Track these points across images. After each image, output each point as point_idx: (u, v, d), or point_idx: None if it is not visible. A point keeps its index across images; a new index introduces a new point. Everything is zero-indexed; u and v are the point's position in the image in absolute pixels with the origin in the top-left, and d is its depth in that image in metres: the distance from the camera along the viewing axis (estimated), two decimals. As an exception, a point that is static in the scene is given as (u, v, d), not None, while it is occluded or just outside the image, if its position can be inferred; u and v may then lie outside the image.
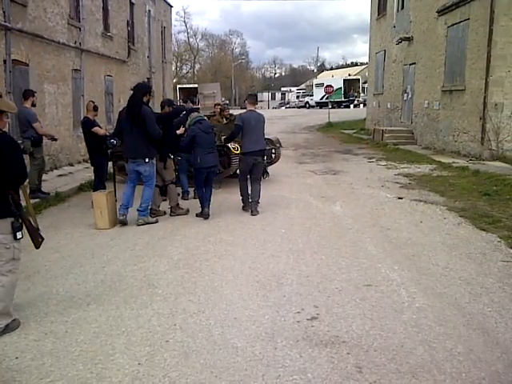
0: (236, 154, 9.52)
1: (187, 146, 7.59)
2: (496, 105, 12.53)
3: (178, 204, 7.94)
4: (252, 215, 7.77)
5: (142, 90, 7.13)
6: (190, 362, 3.46)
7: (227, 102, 64.59)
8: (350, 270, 5.23)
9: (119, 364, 3.45)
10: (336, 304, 4.38)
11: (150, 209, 7.48)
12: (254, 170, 8.03)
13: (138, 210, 7.26)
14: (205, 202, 7.66)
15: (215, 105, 12.33)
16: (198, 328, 3.96)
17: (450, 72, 15.07)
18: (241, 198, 8.20)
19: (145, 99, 7.09)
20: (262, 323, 4.02)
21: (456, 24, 14.62)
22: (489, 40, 12.54)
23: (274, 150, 11.41)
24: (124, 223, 7.22)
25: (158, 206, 7.80)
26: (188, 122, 7.73)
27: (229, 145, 9.59)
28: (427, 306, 4.30)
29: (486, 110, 12.69)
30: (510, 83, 12.42)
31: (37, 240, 4.14)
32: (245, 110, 8.19)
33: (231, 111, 11.80)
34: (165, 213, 7.85)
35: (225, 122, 11.06)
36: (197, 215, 7.68)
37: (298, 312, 4.23)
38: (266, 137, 9.36)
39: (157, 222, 7.38)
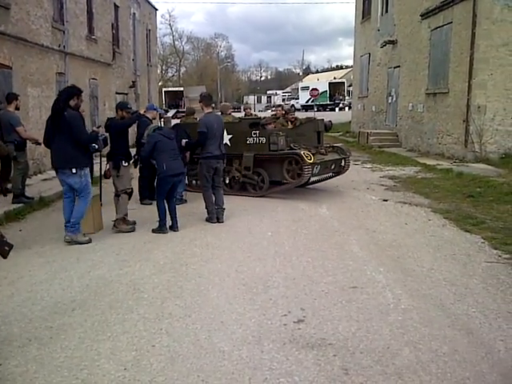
0: (310, 163, 8.70)
1: (149, 153, 7.08)
2: (479, 107, 12.69)
3: (124, 218, 7.18)
4: (219, 222, 7.55)
5: (67, 93, 6.46)
6: (176, 367, 3.44)
7: (213, 105, 64.47)
8: (336, 273, 5.25)
9: (105, 369, 3.42)
10: (322, 306, 4.39)
11: (123, 218, 7.12)
12: (215, 176, 7.70)
13: (65, 226, 6.57)
14: (164, 215, 7.01)
15: (277, 106, 11.61)
16: (184, 332, 3.95)
17: (434, 75, 15.23)
18: (206, 208, 7.68)
19: (72, 103, 6.39)
20: (248, 326, 4.02)
21: (439, 27, 14.80)
22: (471, 43, 12.71)
23: (344, 160, 10.15)
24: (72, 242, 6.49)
25: (126, 215, 7.24)
26: (147, 132, 7.31)
27: (302, 152, 8.74)
28: (412, 308, 4.33)
29: (470, 113, 12.85)
30: (492, 86, 12.59)
31: (2, 249, 3.83)
32: (204, 114, 7.76)
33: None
34: (135, 222, 7.32)
35: (290, 126, 10.12)
36: (153, 231, 7.02)
37: (285, 315, 4.23)
38: (335, 144, 9.96)
39: (89, 242, 6.52)
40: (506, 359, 3.47)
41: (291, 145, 9.17)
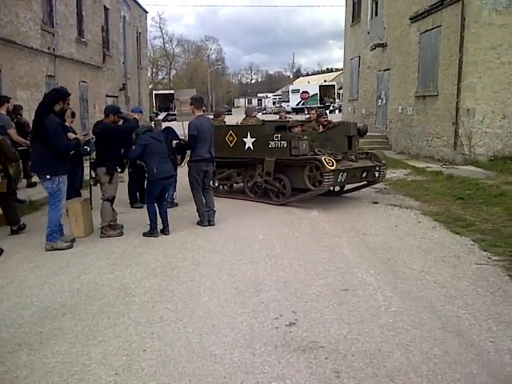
0: (331, 169, 7.99)
1: (138, 156, 7.02)
2: (468, 110, 12.78)
3: (110, 225, 7.08)
4: (210, 225, 7.53)
5: (51, 98, 6.28)
6: (168, 371, 3.43)
7: (204, 107, 64.47)
8: (327, 275, 5.26)
9: (96, 374, 3.40)
10: (314, 309, 4.40)
11: (109, 224, 7.02)
12: (205, 179, 7.68)
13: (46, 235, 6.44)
14: (154, 219, 6.96)
15: (311, 108, 11.56)
16: (175, 336, 3.94)
17: (423, 78, 15.33)
18: (197, 211, 7.63)
19: (57, 107, 6.24)
20: (240, 330, 4.02)
21: (428, 31, 14.90)
22: (460, 46, 12.81)
23: (378, 168, 9.20)
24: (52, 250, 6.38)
25: (116, 220, 7.17)
26: (137, 132, 7.25)
27: (322, 158, 8.08)
28: (403, 310, 4.35)
29: (459, 116, 12.94)
30: (481, 89, 12.70)
31: None
32: (195, 116, 7.73)
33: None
34: (122, 226, 7.27)
35: (321, 129, 9.67)
36: (144, 234, 7.00)
37: (276, 318, 4.23)
38: (369, 151, 9.24)
39: (70, 247, 6.44)
40: (496, 360, 3.49)
41: (316, 150, 8.58)
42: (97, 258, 6.04)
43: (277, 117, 13.22)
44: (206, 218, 7.58)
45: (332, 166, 8.00)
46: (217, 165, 8.81)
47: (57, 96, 6.33)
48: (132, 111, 9.11)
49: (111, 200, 7.14)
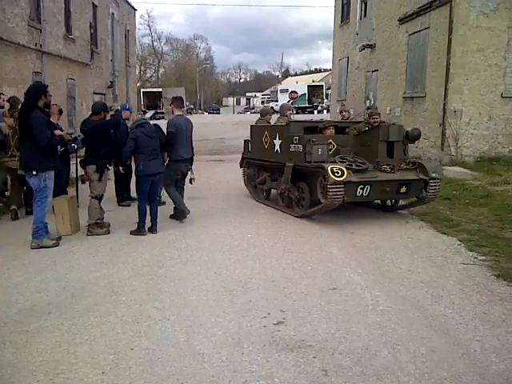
0: (338, 180, 6.75)
1: (131, 153, 6.92)
2: (455, 111, 12.89)
3: (97, 223, 7.05)
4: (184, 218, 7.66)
5: (33, 96, 6.22)
6: (155, 370, 3.41)
7: (192, 106, 64.34)
8: (315, 274, 5.27)
9: (82, 373, 3.37)
10: (302, 308, 4.41)
11: (96, 222, 6.99)
12: (181, 178, 7.74)
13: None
14: (144, 217, 6.93)
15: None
16: (163, 335, 3.92)
17: (411, 79, 15.43)
18: (174, 204, 7.71)
19: (41, 103, 6.24)
20: (228, 329, 4.01)
21: (417, 32, 15.00)
22: (448, 48, 12.91)
23: (425, 182, 7.50)
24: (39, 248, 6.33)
25: (103, 218, 7.14)
26: (130, 125, 7.19)
27: (328, 167, 6.83)
28: (391, 309, 4.37)
29: (446, 117, 13.04)
30: (468, 91, 12.80)
31: None
32: (174, 115, 7.74)
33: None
34: (109, 224, 7.21)
35: (354, 132, 8.10)
36: (131, 233, 6.94)
37: (265, 317, 4.23)
38: (418, 161, 7.74)
39: (56, 245, 6.39)
40: (482, 359, 3.52)
41: (337, 157, 7.34)
42: (83, 257, 5.98)
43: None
44: (185, 211, 7.62)
45: (341, 176, 6.76)
46: (256, 167, 9.29)
47: (37, 93, 6.29)
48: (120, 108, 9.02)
49: (99, 198, 7.10)
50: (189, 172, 7.91)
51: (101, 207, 7.13)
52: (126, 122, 8.62)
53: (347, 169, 6.86)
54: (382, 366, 3.44)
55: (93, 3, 20.37)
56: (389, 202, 8.39)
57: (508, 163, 11.52)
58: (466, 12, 12.58)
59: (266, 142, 8.78)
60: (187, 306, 4.46)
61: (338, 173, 6.78)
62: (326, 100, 53.90)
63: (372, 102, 19.18)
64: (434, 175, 7.40)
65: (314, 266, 5.56)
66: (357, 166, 7.08)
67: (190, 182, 7.88)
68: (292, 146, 7.84)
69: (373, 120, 7.83)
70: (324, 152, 7.23)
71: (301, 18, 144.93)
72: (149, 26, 74.95)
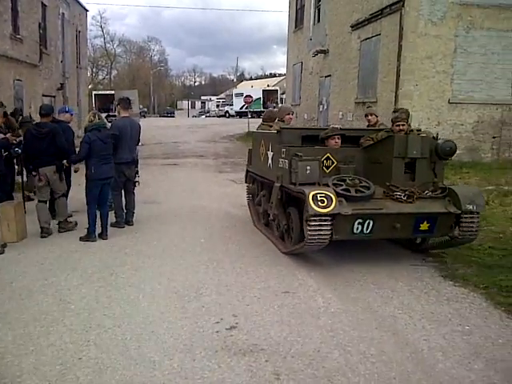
0: (322, 212, 5.00)
1: (86, 156, 6.76)
2: (405, 117, 13.24)
3: (66, 219, 7.28)
4: (129, 225, 7.51)
5: None
6: (104, 379, 3.33)
7: (145, 109, 63.53)
8: (268, 278, 5.28)
9: (27, 386, 3.25)
10: (255, 312, 4.41)
11: (41, 227, 6.90)
12: (128, 182, 7.59)
13: None
14: (93, 222, 6.78)
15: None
16: (113, 343, 3.83)
17: (363, 85, 15.77)
18: (114, 213, 7.47)
19: None
20: (180, 335, 3.96)
21: (368, 39, 15.36)
22: (398, 55, 13.30)
23: (455, 217, 5.56)
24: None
25: (49, 224, 7.04)
26: (85, 126, 7.06)
27: (310, 192, 5.07)
28: (342, 311, 4.43)
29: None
30: (417, 96, 13.21)
31: None
32: (119, 117, 7.62)
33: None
34: (76, 223, 7.32)
35: (365, 144, 6.22)
36: (81, 239, 6.75)
37: (217, 322, 4.20)
38: (449, 186, 5.71)
39: (1, 253, 6.14)
40: (429, 358, 3.62)
41: (332, 177, 5.58)
42: (30, 264, 5.78)
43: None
44: (123, 219, 7.53)
45: (326, 206, 4.99)
46: (258, 183, 7.71)
47: None
48: (58, 112, 8.42)
49: (66, 195, 7.45)
50: (136, 175, 7.78)
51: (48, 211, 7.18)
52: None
53: (340, 195, 5.20)
54: (333, 367, 3.48)
55: (42, 2, 19.79)
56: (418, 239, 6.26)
57: (455, 167, 11.92)
58: (415, 20, 12.99)
59: (262, 154, 7.10)
60: (138, 314, 4.38)
61: (322, 201, 5.02)
62: (280, 105, 54.37)
63: (325, 106, 19.45)
64: (469, 207, 5.44)
65: (267, 269, 5.57)
66: (357, 191, 5.36)
67: (134, 185, 7.77)
68: (280, 160, 6.13)
69: (398, 128, 6.02)
70: (314, 170, 5.45)
71: (256, 23, 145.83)
72: (101, 27, 73.40)
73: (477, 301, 4.71)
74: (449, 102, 13.34)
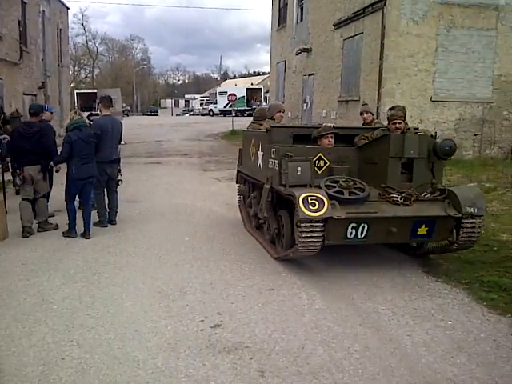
0: (313, 216, 4.77)
1: (68, 156, 6.70)
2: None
3: (46, 220, 7.24)
4: (112, 225, 7.48)
5: None
6: (87, 379, 3.29)
7: (128, 108, 63.05)
8: (253, 276, 5.28)
9: (8, 387, 3.21)
10: (239, 310, 4.40)
11: (23, 226, 6.84)
12: (110, 180, 7.55)
13: None
14: (73, 218, 6.80)
15: (365, 113, 7.61)
16: (96, 343, 3.79)
17: (346, 83, 15.85)
18: (97, 212, 7.45)
19: None
20: (164, 334, 3.94)
21: (351, 37, 15.43)
22: (380, 53, 13.38)
23: (456, 220, 5.22)
24: None
25: (31, 223, 6.98)
26: (66, 125, 7.04)
27: (300, 197, 4.84)
28: (326, 308, 4.45)
29: (379, 120, 13.47)
30: (399, 94, 13.32)
31: None
32: (101, 116, 7.62)
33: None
34: (57, 226, 7.22)
35: (359, 143, 5.90)
36: (64, 234, 6.84)
37: (202, 320, 4.19)
38: (449, 188, 5.36)
39: None
40: (413, 353, 3.65)
41: (325, 179, 5.32)
42: (11, 264, 5.70)
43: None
44: (106, 218, 7.48)
45: (317, 210, 4.77)
46: (249, 184, 7.50)
47: None
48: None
49: (47, 196, 7.40)
50: (118, 174, 7.78)
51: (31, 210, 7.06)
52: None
53: (333, 198, 4.97)
54: (317, 364, 3.49)
55: (22, 0, 19.52)
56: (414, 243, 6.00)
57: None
58: (397, 19, 13.09)
59: (252, 154, 6.89)
60: (122, 313, 4.34)
61: (313, 204, 4.80)
62: (264, 103, 54.39)
63: (309, 105, 19.51)
64: (470, 210, 5.12)
65: (251, 267, 5.57)
66: (350, 193, 5.11)
67: (117, 184, 7.74)
68: (270, 160, 5.90)
69: (394, 126, 5.70)
70: (305, 171, 5.24)
71: (240, 21, 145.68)
72: (83, 25, 72.57)
73: (459, 296, 4.76)
74: (431, 100, 13.47)
